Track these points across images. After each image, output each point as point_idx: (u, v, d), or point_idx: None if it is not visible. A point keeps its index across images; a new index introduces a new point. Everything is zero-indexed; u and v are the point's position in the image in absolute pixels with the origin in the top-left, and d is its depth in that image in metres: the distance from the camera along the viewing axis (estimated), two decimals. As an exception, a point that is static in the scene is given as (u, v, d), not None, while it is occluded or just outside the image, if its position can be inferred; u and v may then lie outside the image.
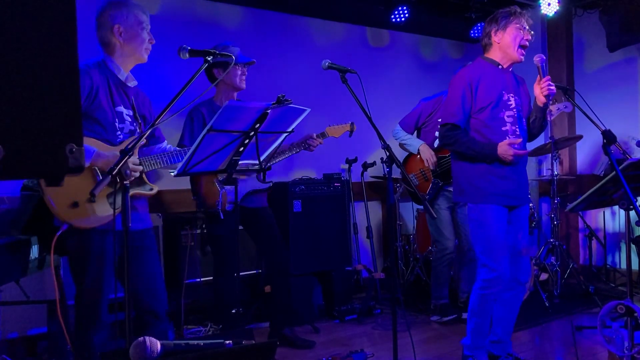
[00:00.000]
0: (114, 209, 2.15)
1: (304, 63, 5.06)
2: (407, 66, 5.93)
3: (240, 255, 3.77)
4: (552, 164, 4.65)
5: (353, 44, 5.54)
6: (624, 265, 5.22)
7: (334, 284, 4.39)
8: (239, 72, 3.31)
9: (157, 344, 1.65)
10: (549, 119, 3.05)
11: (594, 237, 5.36)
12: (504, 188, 2.90)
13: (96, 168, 2.27)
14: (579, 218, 5.60)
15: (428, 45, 6.12)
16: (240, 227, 3.38)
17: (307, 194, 4.32)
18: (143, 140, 2.24)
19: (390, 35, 5.83)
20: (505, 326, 3.06)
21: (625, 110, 5.29)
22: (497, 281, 2.88)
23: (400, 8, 4.98)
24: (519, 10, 2.93)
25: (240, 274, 3.96)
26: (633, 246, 4.83)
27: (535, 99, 2.91)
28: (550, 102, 2.95)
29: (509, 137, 2.88)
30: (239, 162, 2.33)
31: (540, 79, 2.83)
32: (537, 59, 2.82)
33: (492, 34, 2.94)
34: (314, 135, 3.31)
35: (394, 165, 2.35)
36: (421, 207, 4.90)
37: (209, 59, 2.21)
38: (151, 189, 2.46)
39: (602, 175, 4.95)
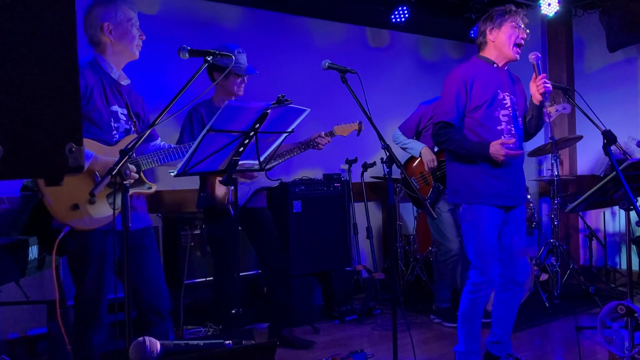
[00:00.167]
0: (114, 209, 2.14)
1: (304, 63, 5.06)
2: (407, 66, 5.92)
3: (240, 255, 3.76)
4: (552, 165, 4.65)
5: (353, 44, 5.53)
6: (624, 266, 5.22)
7: (333, 284, 4.39)
8: (239, 81, 3.29)
9: (157, 344, 1.65)
10: (547, 120, 3.03)
11: (594, 238, 5.35)
12: (498, 188, 2.86)
13: (95, 171, 2.26)
14: (579, 218, 5.60)
15: (428, 45, 6.11)
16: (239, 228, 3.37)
17: (307, 195, 4.32)
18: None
19: (390, 36, 5.83)
20: (504, 326, 3.05)
21: (625, 110, 5.29)
22: (486, 284, 2.86)
23: (400, 8, 4.98)
24: (514, 8, 2.89)
25: (240, 274, 3.95)
26: (633, 246, 4.84)
27: (531, 97, 2.89)
28: (547, 101, 2.93)
29: (504, 136, 2.84)
30: (239, 162, 2.33)
31: (536, 77, 2.81)
32: (532, 56, 2.80)
33: (487, 32, 2.91)
34: (323, 133, 3.31)
35: (394, 165, 2.35)
36: (421, 207, 4.89)
37: (208, 59, 2.20)
38: (150, 187, 2.45)
39: (602, 175, 4.95)
